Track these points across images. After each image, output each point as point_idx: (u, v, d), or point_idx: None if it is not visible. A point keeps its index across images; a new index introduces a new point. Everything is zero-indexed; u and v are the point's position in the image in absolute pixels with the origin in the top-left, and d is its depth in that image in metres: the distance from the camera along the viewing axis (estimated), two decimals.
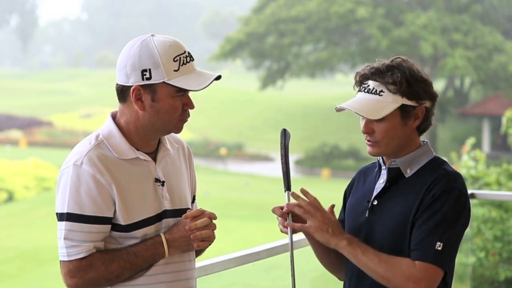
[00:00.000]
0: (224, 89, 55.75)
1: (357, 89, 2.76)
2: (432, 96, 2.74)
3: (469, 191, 5.15)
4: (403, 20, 36.14)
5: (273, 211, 2.80)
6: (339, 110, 2.76)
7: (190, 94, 2.66)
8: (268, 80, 42.08)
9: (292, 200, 2.79)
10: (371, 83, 2.71)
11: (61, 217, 2.57)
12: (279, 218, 2.79)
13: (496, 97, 37.08)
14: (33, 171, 27.26)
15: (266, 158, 39.59)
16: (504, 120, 9.75)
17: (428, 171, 2.72)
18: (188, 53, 2.62)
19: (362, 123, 2.74)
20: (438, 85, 45.17)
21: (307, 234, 2.83)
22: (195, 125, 44.14)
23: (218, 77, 2.62)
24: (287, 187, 2.79)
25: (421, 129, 2.77)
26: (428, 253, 2.58)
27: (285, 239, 3.70)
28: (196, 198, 2.90)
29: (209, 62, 43.99)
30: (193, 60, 2.63)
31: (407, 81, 2.70)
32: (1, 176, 25.63)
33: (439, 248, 2.58)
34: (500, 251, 7.33)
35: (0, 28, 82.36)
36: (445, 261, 2.60)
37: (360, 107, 2.69)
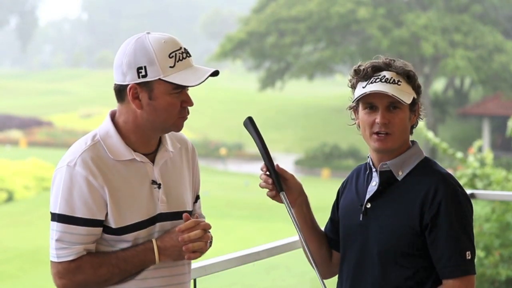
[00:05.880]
0: (224, 89, 55.73)
1: (366, 81, 2.71)
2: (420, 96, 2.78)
3: (469, 191, 5.16)
4: (404, 20, 36.11)
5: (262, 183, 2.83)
6: (366, 97, 2.69)
7: (190, 92, 2.63)
8: (268, 81, 42.07)
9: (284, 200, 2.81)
10: (387, 74, 2.70)
11: (53, 217, 2.56)
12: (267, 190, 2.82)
13: (496, 97, 37.06)
14: (33, 171, 27.24)
15: None
16: (510, 123, 9.70)
17: (421, 173, 2.72)
18: (185, 49, 2.58)
19: (373, 116, 2.69)
20: (438, 85, 45.15)
21: (302, 222, 2.86)
22: (195, 125, 44.12)
23: (216, 72, 2.57)
24: (280, 188, 2.79)
25: (412, 128, 2.79)
26: (462, 267, 2.63)
27: (285, 239, 3.70)
28: (200, 197, 2.86)
29: (209, 62, 43.92)
30: (189, 56, 2.59)
31: (414, 76, 2.73)
32: (1, 176, 25.61)
33: (469, 257, 2.64)
34: (500, 250, 7.32)
35: (0, 28, 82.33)
36: (474, 264, 2.67)
37: (390, 91, 2.67)
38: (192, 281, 3.17)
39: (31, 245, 18.49)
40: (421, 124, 9.39)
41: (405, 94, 2.68)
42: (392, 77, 2.69)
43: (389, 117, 2.68)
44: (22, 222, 21.65)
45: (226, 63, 55.49)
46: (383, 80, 2.68)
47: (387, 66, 2.72)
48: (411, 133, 2.79)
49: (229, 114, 49.65)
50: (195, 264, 3.19)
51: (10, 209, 23.73)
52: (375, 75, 2.71)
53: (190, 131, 42.96)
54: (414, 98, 2.72)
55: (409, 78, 2.72)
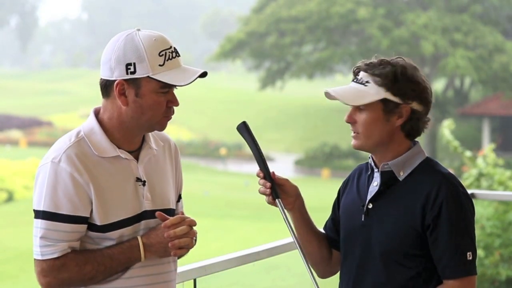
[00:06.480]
0: (224, 89, 55.70)
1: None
2: (423, 99, 2.69)
3: (469, 191, 5.15)
4: (404, 20, 36.12)
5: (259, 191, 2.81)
6: (327, 96, 2.75)
7: (187, 92, 2.62)
8: (268, 81, 42.06)
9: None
10: (362, 74, 2.71)
11: (37, 214, 2.53)
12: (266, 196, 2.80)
13: (496, 97, 37.07)
14: (33, 171, 27.14)
15: (267, 158, 39.05)
16: None
17: (423, 173, 2.70)
18: (174, 48, 2.57)
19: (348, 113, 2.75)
20: (438, 85, 45.14)
21: (302, 225, 2.84)
22: (195, 125, 44.09)
23: (204, 74, 2.56)
24: (276, 194, 2.79)
25: (406, 130, 2.71)
26: (463, 267, 2.63)
27: (285, 239, 3.70)
28: (182, 197, 2.84)
29: (209, 62, 43.91)
30: (179, 56, 2.58)
31: (395, 77, 2.66)
32: (1, 176, 25.62)
33: (470, 258, 2.63)
34: (501, 250, 7.32)
35: (0, 28, 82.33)
36: (475, 265, 2.66)
37: (342, 92, 2.70)
38: (192, 281, 3.17)
39: (31, 245, 18.42)
40: (446, 123, 9.42)
41: (361, 96, 2.66)
42: (362, 78, 2.70)
43: (356, 117, 2.71)
44: (22, 222, 21.62)
45: (226, 63, 55.49)
46: (355, 81, 2.71)
47: (366, 66, 2.71)
48: (408, 136, 2.73)
49: (229, 114, 49.64)
50: (195, 264, 3.19)
51: (10, 209, 23.73)
52: (357, 75, 2.74)
53: (190, 131, 42.94)
54: (387, 100, 2.65)
55: (382, 78, 2.66)
